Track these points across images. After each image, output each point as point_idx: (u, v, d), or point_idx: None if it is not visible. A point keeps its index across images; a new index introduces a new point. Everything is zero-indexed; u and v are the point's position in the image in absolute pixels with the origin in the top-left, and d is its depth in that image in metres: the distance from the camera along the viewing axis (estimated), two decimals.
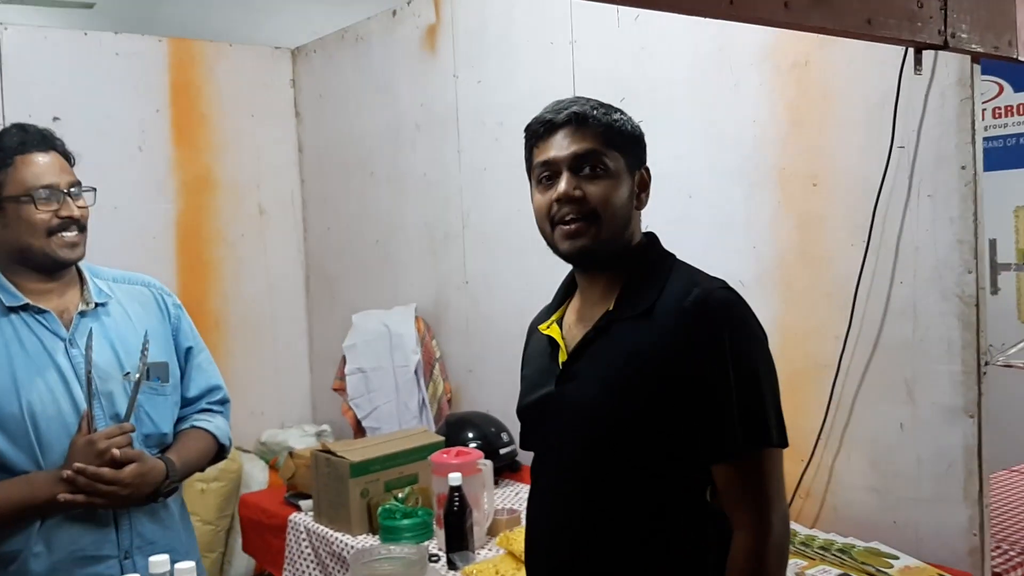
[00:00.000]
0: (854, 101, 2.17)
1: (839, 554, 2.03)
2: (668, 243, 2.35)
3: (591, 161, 1.38)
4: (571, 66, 2.80)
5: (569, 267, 1.53)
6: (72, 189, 1.75)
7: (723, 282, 1.40)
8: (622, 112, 1.46)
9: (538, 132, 1.44)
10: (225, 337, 4.01)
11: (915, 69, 1.88)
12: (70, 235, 1.74)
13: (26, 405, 1.66)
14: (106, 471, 1.64)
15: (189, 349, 1.94)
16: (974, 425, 2.01)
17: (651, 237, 1.50)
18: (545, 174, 1.41)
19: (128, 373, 1.76)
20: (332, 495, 2.45)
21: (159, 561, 1.41)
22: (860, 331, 2.18)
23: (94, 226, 3.53)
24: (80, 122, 3.60)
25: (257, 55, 4.10)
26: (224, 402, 2.01)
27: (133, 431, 1.72)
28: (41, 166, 1.72)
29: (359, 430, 3.33)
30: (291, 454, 2.78)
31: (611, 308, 1.41)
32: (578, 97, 1.47)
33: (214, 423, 1.94)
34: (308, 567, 2.52)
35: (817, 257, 2.27)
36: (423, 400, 3.24)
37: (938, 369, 2.06)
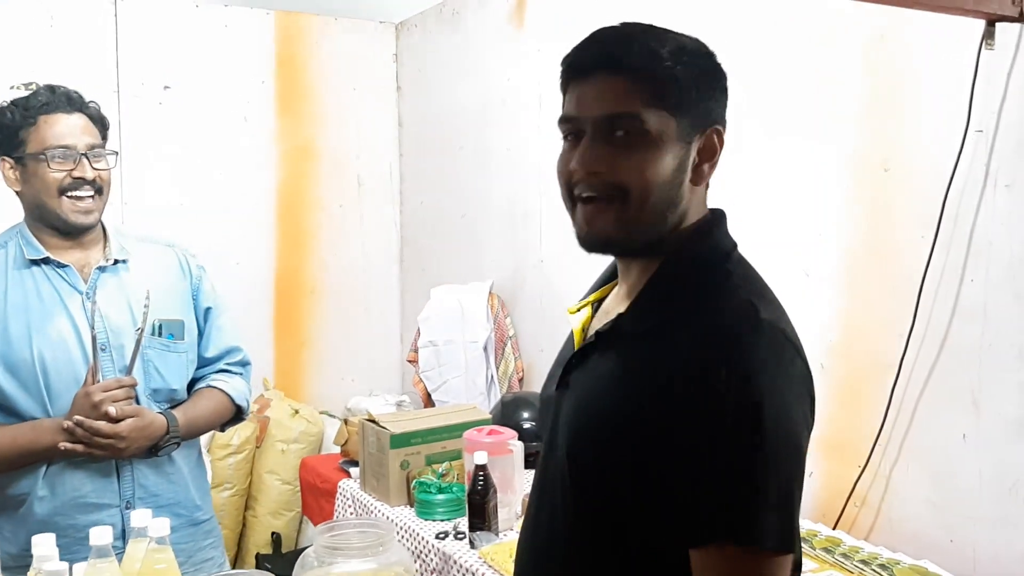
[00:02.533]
0: (931, 80, 1.98)
1: (879, 570, 1.88)
2: (733, 228, 2.24)
3: (626, 125, 1.03)
4: None
5: None
6: (92, 151, 1.80)
7: (755, 311, 1.00)
8: (689, 46, 1.07)
9: (568, 74, 1.09)
10: (320, 304, 4.13)
11: (986, 43, 1.71)
12: (84, 198, 1.78)
13: (37, 353, 1.74)
14: (103, 424, 1.70)
15: (209, 309, 1.98)
16: None
17: (712, 218, 1.13)
18: (567, 131, 1.08)
19: (140, 329, 1.81)
20: (375, 465, 2.47)
21: (140, 515, 1.45)
22: (925, 331, 2.00)
23: (198, 192, 3.72)
24: (189, 91, 3.77)
25: (361, 29, 4.16)
26: (244, 364, 2.04)
27: (134, 385, 1.77)
28: (62, 126, 1.77)
29: (429, 403, 3.35)
30: (346, 421, 2.84)
31: (624, 311, 1.10)
32: (629, 23, 1.08)
33: (230, 384, 1.98)
34: None
35: (884, 249, 2.09)
36: (492, 377, 3.23)
37: (1007, 378, 1.86)
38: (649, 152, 1.03)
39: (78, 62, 3.51)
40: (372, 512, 2.46)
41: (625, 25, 1.09)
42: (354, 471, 2.67)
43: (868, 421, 2.11)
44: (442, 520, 2.30)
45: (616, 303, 1.15)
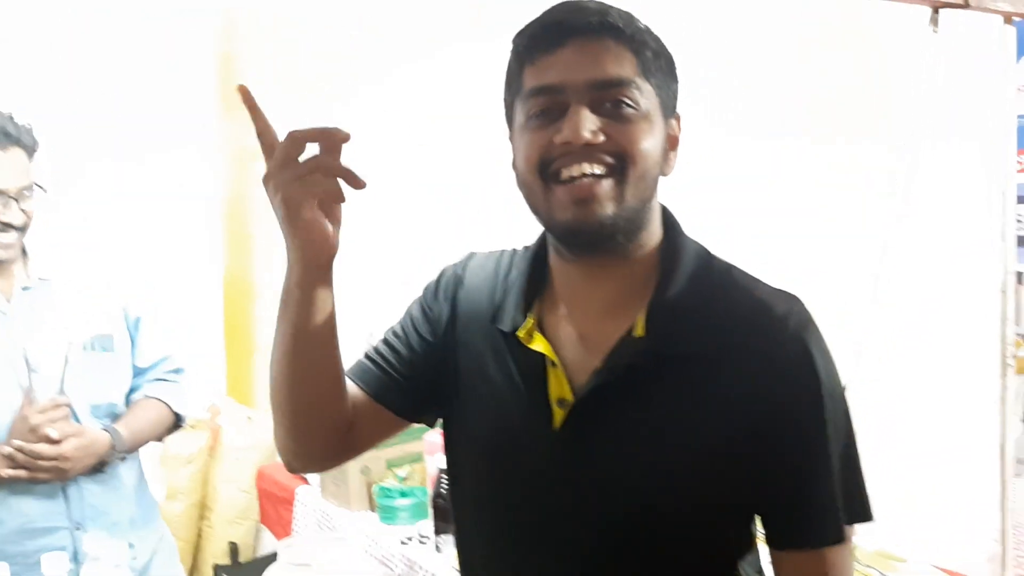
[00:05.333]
0: (878, 65, 2.00)
1: None
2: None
3: (619, 92, 0.92)
4: None
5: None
6: (22, 192, 1.68)
7: (796, 297, 0.97)
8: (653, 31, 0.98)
9: (537, 41, 0.94)
10: (272, 307, 4.02)
11: (932, 30, 1.72)
12: (1, 237, 1.67)
13: None
14: (44, 448, 1.63)
15: (139, 319, 1.91)
16: (998, 422, 1.84)
17: (668, 214, 1.03)
18: (540, 107, 0.93)
19: (71, 344, 1.73)
20: (335, 470, 2.43)
21: (93, 540, 1.39)
22: (880, 315, 2.03)
23: (139, 198, 3.62)
24: (126, 95, 3.66)
25: (304, 23, 4.08)
26: (178, 371, 1.97)
27: (68, 404, 1.70)
28: None
29: None
30: None
31: (639, 332, 0.95)
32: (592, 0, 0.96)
33: (167, 393, 1.92)
34: None
35: (836, 234, 2.11)
36: None
37: (960, 360, 1.89)
38: (642, 124, 0.93)
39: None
40: (333, 519, 2.42)
41: (594, 1, 0.96)
42: (313, 478, 2.62)
43: None
44: (406, 524, 2.27)
45: (592, 321, 0.99)
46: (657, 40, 0.97)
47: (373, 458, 2.39)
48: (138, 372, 1.91)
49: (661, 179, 0.98)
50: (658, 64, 0.96)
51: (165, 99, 3.72)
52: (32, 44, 3.45)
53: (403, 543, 2.17)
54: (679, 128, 1.00)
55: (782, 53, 2.18)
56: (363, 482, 2.38)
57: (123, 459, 1.79)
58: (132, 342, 1.89)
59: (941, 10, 1.69)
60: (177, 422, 1.95)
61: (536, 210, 0.97)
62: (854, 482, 0.96)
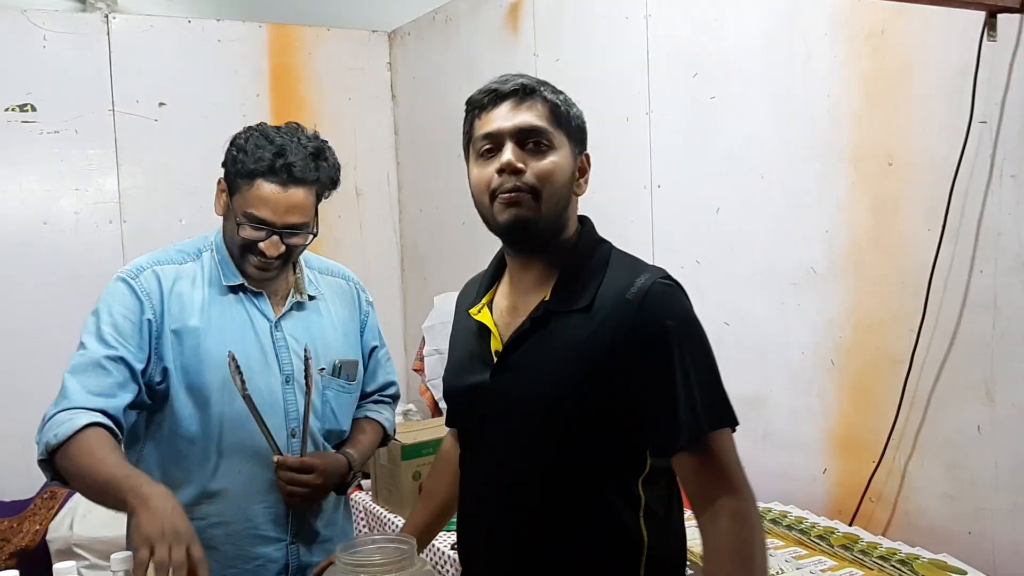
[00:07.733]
0: (933, 72, 1.98)
1: (899, 566, 1.88)
2: (738, 226, 2.14)
3: (536, 136, 1.32)
4: (645, 41, 2.69)
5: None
6: (288, 229, 1.67)
7: (664, 272, 1.35)
8: (571, 100, 1.40)
9: (482, 103, 1.36)
10: None
11: (988, 35, 1.70)
12: (265, 264, 1.69)
13: (223, 380, 1.67)
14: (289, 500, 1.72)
15: (375, 348, 1.95)
16: None
17: (587, 222, 1.44)
18: (487, 147, 1.33)
19: (323, 369, 1.77)
20: (387, 477, 2.46)
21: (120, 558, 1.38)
22: (936, 324, 2.00)
23: (196, 208, 3.71)
24: (184, 107, 3.76)
25: (354, 39, 4.16)
26: (395, 397, 2.03)
27: (315, 467, 1.72)
28: (270, 198, 1.64)
29: (436, 411, 3.34)
30: None
31: (547, 298, 1.35)
32: (523, 74, 1.39)
33: (384, 415, 1.97)
34: None
35: (891, 243, 2.09)
36: None
37: (1020, 368, 1.86)
38: (554, 157, 1.33)
39: (72, 81, 3.51)
40: (386, 524, 2.45)
41: (525, 75, 1.38)
42: (365, 483, 2.66)
43: (881, 416, 2.11)
44: (456, 529, 2.29)
45: (521, 296, 1.40)
46: (566, 102, 1.38)
47: (424, 463, 2.42)
48: (363, 395, 1.95)
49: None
50: (567, 118, 1.36)
51: (221, 111, 3.82)
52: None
53: (454, 548, 2.19)
54: (588, 163, 1.42)
55: (823, 61, 2.17)
56: (415, 488, 2.41)
57: (353, 482, 1.85)
58: (365, 368, 1.92)
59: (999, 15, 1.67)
60: (385, 441, 2.00)
61: (485, 219, 1.37)
62: (712, 394, 1.28)
